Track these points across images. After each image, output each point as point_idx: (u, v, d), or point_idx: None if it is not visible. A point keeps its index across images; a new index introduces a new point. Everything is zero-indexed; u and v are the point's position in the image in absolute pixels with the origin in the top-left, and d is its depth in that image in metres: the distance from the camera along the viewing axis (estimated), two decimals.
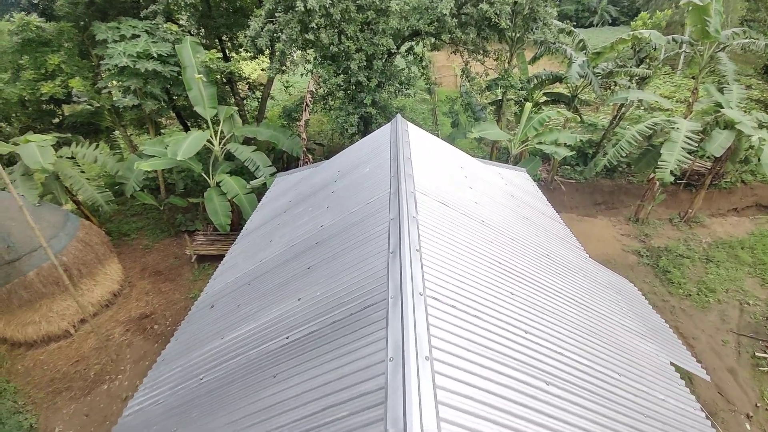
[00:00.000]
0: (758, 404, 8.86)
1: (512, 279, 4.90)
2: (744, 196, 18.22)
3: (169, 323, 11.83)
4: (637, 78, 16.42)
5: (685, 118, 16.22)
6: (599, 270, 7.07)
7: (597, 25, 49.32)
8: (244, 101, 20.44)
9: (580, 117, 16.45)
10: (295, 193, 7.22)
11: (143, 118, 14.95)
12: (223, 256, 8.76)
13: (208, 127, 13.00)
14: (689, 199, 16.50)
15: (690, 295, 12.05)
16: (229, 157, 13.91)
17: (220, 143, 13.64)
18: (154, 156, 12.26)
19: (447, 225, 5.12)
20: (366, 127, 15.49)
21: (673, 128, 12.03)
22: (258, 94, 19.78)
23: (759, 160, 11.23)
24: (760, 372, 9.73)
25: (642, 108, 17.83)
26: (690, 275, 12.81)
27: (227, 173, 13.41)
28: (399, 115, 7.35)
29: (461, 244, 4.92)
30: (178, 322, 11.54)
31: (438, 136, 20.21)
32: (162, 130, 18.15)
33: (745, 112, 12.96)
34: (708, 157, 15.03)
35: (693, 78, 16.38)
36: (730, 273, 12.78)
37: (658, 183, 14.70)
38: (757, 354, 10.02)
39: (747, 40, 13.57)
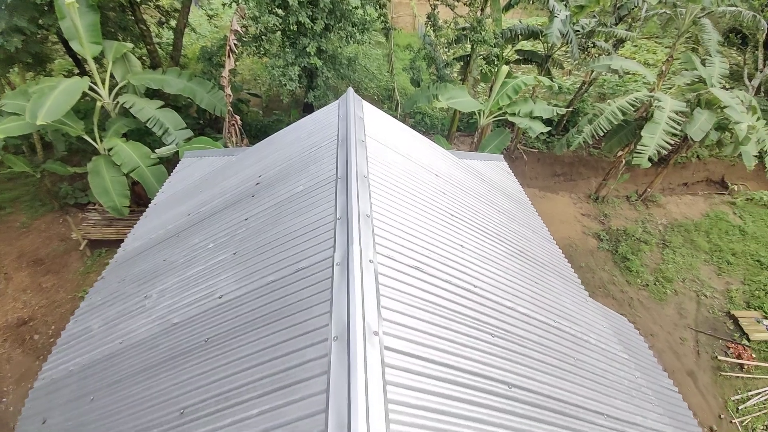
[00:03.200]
0: (722, 415, 8.64)
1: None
2: (696, 171, 18.23)
3: (52, 332, 9.35)
4: (613, 40, 14.88)
5: (652, 90, 15.24)
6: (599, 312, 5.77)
7: None
8: (157, 35, 16.21)
9: (551, 80, 14.79)
10: (195, 203, 4.94)
11: (12, 57, 10.88)
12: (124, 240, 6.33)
13: (87, 72, 9.61)
14: (645, 174, 16.07)
15: (648, 285, 11.66)
16: (128, 112, 10.64)
17: (111, 93, 10.30)
18: (13, 114, 8.84)
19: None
20: (310, 80, 12.70)
21: (657, 107, 10.75)
22: (173, 23, 15.64)
23: (737, 147, 10.44)
24: (722, 377, 9.52)
25: (617, 74, 16.53)
26: (648, 262, 12.42)
27: (123, 136, 10.29)
28: (350, 90, 5.09)
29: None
30: (61, 330, 9.14)
31: (394, 90, 17.78)
32: (51, 70, 13.86)
33: (725, 87, 12.00)
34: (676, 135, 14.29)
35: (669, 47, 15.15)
36: (686, 260, 12.55)
37: (623, 162, 13.85)
38: (719, 357, 9.80)
39: (732, 8, 12.28)
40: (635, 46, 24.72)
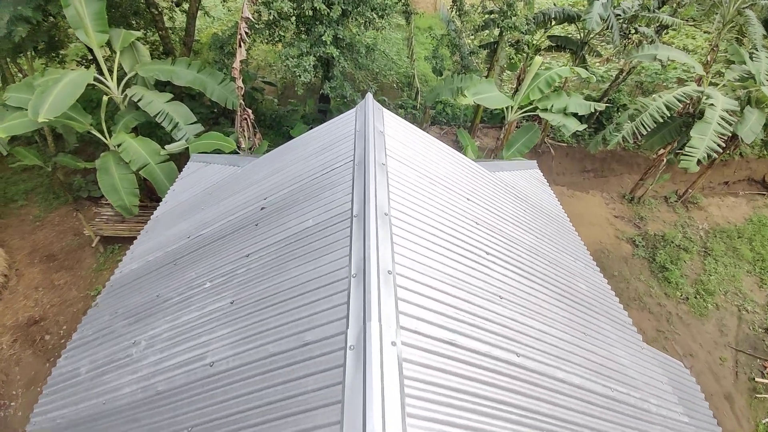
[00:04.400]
0: None
1: None
2: (738, 169, 16.90)
3: (63, 333, 9.19)
4: (656, 25, 13.54)
5: (698, 82, 13.94)
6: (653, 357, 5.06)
7: None
8: (170, 19, 15.63)
9: (588, 70, 13.65)
10: (195, 223, 4.42)
11: (20, 46, 10.52)
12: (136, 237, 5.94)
13: (93, 62, 9.16)
14: (685, 171, 14.89)
15: (688, 298, 10.78)
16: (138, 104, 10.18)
17: (119, 85, 9.84)
18: (18, 109, 8.47)
19: None
20: (327, 70, 11.95)
21: (708, 105, 9.67)
22: (186, 6, 15.02)
23: None
24: (756, 400, 8.79)
25: (660, 64, 15.16)
26: (688, 272, 11.49)
27: (134, 129, 9.88)
28: (369, 96, 4.42)
29: None
30: (72, 331, 8.99)
31: (414, 77, 16.84)
32: (63, 57, 13.48)
33: None
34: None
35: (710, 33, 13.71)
36: (728, 270, 11.57)
37: (664, 160, 12.76)
38: (756, 379, 9.01)
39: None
40: (674, 29, 22.90)
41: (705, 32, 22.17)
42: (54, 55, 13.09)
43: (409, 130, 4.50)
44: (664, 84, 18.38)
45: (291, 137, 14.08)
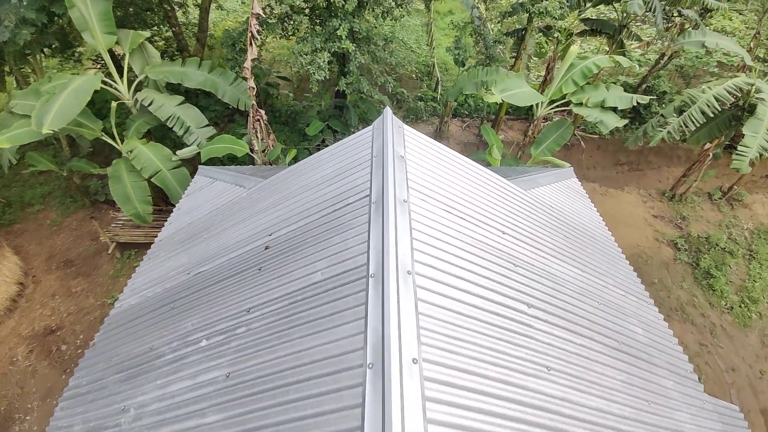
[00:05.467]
0: None
1: None
2: None
3: (80, 343, 9.14)
4: (700, 8, 12.25)
5: (743, 69, 12.67)
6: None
7: None
8: (183, 14, 15.24)
9: (627, 56, 12.58)
10: (196, 257, 4.01)
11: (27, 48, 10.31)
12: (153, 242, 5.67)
13: (102, 66, 8.85)
14: (727, 164, 13.71)
15: (732, 308, 9.90)
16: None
17: (130, 89, 9.53)
18: (25, 117, 8.26)
19: None
20: (342, 65, 11.34)
21: (759, 99, 8.64)
22: (199, 0, 14.58)
23: None
24: None
25: (705, 50, 13.82)
26: (733, 278, 10.56)
27: (144, 135, 9.58)
28: (388, 112, 3.86)
29: None
30: (89, 340, 8.90)
31: (434, 66, 15.97)
32: (80, 56, 13.28)
33: None
34: None
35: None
36: None
37: (710, 155, 11.68)
38: None
39: None
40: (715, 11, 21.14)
41: (739, 13, 20.29)
42: (69, 54, 12.90)
43: (433, 150, 3.92)
44: (705, 68, 16.93)
45: (306, 135, 13.61)
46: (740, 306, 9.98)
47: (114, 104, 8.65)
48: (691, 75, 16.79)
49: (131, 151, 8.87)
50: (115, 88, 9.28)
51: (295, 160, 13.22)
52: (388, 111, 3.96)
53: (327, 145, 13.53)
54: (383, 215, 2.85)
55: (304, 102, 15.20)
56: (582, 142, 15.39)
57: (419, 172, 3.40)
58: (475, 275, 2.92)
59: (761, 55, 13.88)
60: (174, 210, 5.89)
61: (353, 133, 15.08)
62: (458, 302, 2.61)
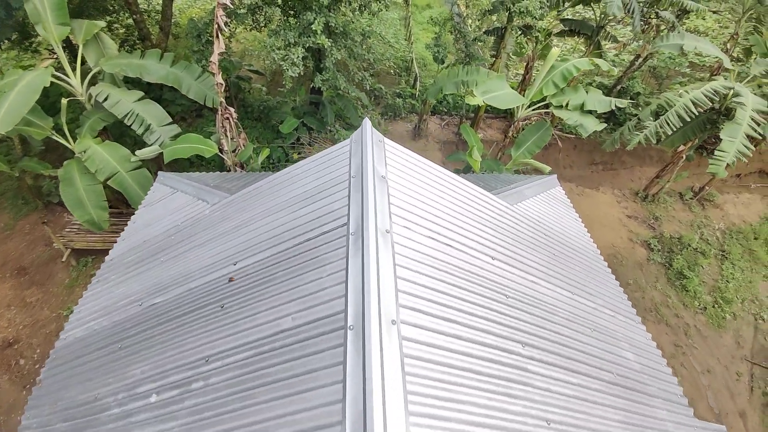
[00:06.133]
0: None
1: None
2: (751, 161, 16.10)
3: (37, 357, 8.45)
4: (677, 10, 12.39)
5: (716, 71, 12.94)
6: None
7: None
8: (145, 1, 14.24)
9: (604, 57, 12.61)
10: (150, 286, 3.55)
11: None
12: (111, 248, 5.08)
13: (53, 58, 8.08)
14: (698, 165, 14.09)
15: (706, 308, 10.15)
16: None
17: (83, 83, 8.73)
18: None
19: None
20: (318, 61, 10.82)
21: (738, 104, 8.75)
22: None
23: None
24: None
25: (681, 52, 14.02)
26: (706, 278, 10.83)
27: (100, 134, 8.82)
28: (367, 123, 3.51)
29: None
30: (46, 356, 8.18)
31: (412, 62, 15.62)
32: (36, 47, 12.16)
33: None
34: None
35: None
36: (745, 276, 10.93)
37: (683, 157, 11.90)
38: None
39: None
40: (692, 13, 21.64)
41: (714, 12, 20.87)
42: (27, 45, 11.88)
43: (416, 167, 3.59)
44: (677, 69, 17.30)
45: (280, 133, 13.00)
46: (714, 306, 10.23)
47: (64, 101, 7.88)
48: (663, 75, 17.12)
49: (85, 152, 8.12)
50: (68, 83, 8.47)
51: (269, 159, 12.62)
52: (367, 122, 3.60)
53: (302, 144, 13.01)
54: (363, 249, 2.52)
55: (278, 97, 14.53)
56: (559, 142, 15.44)
57: (402, 194, 3.08)
58: (466, 315, 2.63)
59: (736, 55, 14.25)
60: (129, 223, 5.33)
61: (329, 130, 14.47)
62: (449, 352, 2.33)
